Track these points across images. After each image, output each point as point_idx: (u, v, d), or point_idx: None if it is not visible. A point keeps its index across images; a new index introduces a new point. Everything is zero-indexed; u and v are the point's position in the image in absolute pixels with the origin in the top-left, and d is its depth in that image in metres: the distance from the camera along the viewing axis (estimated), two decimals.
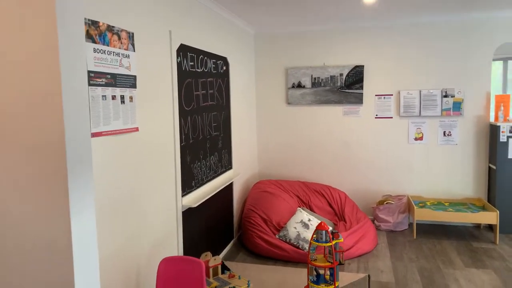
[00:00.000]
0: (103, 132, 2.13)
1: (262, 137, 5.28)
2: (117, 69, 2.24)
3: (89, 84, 2.02)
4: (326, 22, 4.66)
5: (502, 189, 4.33)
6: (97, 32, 2.07)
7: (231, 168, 4.17)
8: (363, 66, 4.78)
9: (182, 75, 3.04)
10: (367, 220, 4.31)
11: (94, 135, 2.06)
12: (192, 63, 3.20)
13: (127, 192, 2.36)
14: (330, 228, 4.15)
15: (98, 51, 2.08)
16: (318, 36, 4.93)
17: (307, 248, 3.76)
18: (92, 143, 2.05)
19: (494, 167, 4.41)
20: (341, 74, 4.85)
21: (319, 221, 4.07)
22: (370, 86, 4.85)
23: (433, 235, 4.42)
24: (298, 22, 4.63)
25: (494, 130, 4.41)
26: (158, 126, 2.70)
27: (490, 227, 4.59)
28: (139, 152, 2.47)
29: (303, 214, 4.08)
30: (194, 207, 3.18)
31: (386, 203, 4.68)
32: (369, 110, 4.88)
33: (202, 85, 3.42)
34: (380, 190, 4.97)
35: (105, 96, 2.14)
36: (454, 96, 4.59)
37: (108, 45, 2.16)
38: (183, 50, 3.05)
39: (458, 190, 4.72)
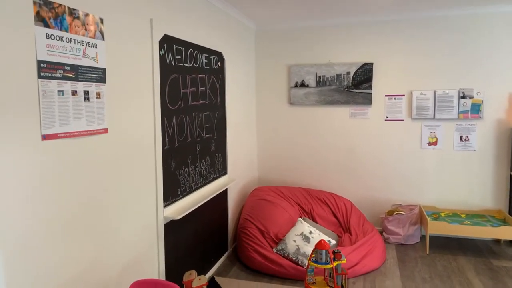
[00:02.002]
0: (59, 134, 1.79)
1: (262, 139, 4.92)
2: (80, 60, 1.90)
3: (39, 77, 1.68)
4: (333, 16, 4.28)
5: None
6: (51, 15, 1.73)
7: (225, 173, 3.81)
8: (372, 64, 4.39)
9: (167, 70, 2.69)
10: (375, 233, 3.92)
11: (46, 137, 1.72)
12: (179, 57, 2.85)
13: (93, 205, 2.01)
14: (333, 242, 3.77)
15: (52, 37, 1.74)
16: (323, 31, 4.55)
17: (306, 264, 3.38)
18: (44, 147, 1.71)
19: None
20: (348, 73, 4.46)
21: (321, 234, 3.69)
22: (380, 85, 4.45)
23: (448, 250, 4.00)
24: (302, 16, 4.26)
25: None
26: (134, 128, 2.35)
27: (511, 242, 4.15)
28: (109, 157, 2.13)
29: (304, 226, 3.70)
30: (178, 219, 2.83)
31: (396, 213, 4.28)
32: (379, 111, 4.48)
33: (192, 82, 3.07)
34: (390, 199, 4.56)
35: (62, 91, 1.80)
36: (472, 98, 4.17)
37: (67, 31, 1.82)
38: (168, 42, 2.70)
39: (476, 201, 4.30)
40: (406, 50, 4.32)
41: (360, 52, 4.46)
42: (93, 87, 2.00)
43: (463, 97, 4.19)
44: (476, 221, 3.99)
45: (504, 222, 3.95)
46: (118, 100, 2.20)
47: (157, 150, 2.57)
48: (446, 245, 4.13)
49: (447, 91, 4.23)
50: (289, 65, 4.70)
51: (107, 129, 2.10)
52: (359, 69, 4.43)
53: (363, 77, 4.42)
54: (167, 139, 2.71)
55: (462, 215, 4.19)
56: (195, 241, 3.20)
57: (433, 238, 4.32)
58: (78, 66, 1.89)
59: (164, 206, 2.68)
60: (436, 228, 3.85)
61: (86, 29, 1.94)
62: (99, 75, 2.04)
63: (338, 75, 4.48)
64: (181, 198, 2.91)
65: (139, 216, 2.41)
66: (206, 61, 3.32)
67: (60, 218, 1.81)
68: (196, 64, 3.13)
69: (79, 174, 1.92)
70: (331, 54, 4.54)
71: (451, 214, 4.24)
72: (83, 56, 1.92)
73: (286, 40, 4.69)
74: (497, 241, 4.20)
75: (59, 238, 1.81)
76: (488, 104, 4.15)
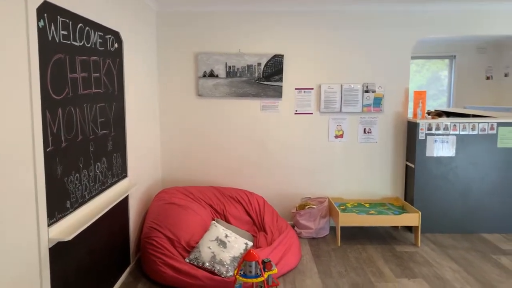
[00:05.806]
0: None
1: (167, 135, 4.41)
2: None
3: None
4: (243, 2, 3.99)
5: (421, 189, 4.22)
6: None
7: (125, 176, 3.25)
8: (282, 55, 4.25)
9: (49, 48, 2.06)
10: (290, 229, 3.81)
11: None
12: (65, 33, 2.23)
13: None
14: (250, 244, 3.53)
15: None
16: (234, 18, 4.24)
17: (224, 273, 3.07)
18: None
19: (412, 165, 4.29)
20: (259, 64, 4.25)
21: (237, 236, 3.42)
22: (290, 78, 4.34)
23: (355, 240, 4.12)
24: None
25: (412, 127, 4.28)
26: (3, 125, 1.72)
27: (407, 227, 4.48)
28: None
29: (218, 229, 3.38)
30: (68, 240, 2.23)
31: (308, 207, 4.25)
32: (289, 105, 4.38)
33: (83, 66, 2.46)
34: (299, 192, 4.53)
35: None
36: (375, 91, 4.34)
37: None
38: (50, 11, 2.07)
39: (377, 190, 4.53)
40: (315, 43, 4.29)
41: (271, 43, 4.28)
42: None
43: (367, 91, 4.33)
44: (379, 209, 4.18)
45: (403, 209, 4.22)
46: None
47: (37, 152, 1.95)
48: (353, 235, 4.25)
49: (352, 85, 4.33)
50: (196, 53, 4.28)
51: None
52: (269, 60, 4.24)
53: (274, 69, 4.26)
54: (50, 138, 2.09)
55: (366, 205, 4.36)
56: (91, 262, 2.62)
57: (341, 229, 4.42)
58: None
59: (49, 225, 2.07)
60: (347, 220, 3.91)
61: None
62: None
63: (249, 66, 4.24)
64: (71, 212, 2.31)
65: (12, 242, 1.78)
66: (100, 40, 2.71)
67: None
68: (88, 44, 2.52)
69: None
70: (242, 44, 4.27)
71: (356, 204, 4.38)
72: None
73: (192, 25, 4.25)
74: (395, 227, 4.50)
75: None
76: (388, 98, 4.38)
